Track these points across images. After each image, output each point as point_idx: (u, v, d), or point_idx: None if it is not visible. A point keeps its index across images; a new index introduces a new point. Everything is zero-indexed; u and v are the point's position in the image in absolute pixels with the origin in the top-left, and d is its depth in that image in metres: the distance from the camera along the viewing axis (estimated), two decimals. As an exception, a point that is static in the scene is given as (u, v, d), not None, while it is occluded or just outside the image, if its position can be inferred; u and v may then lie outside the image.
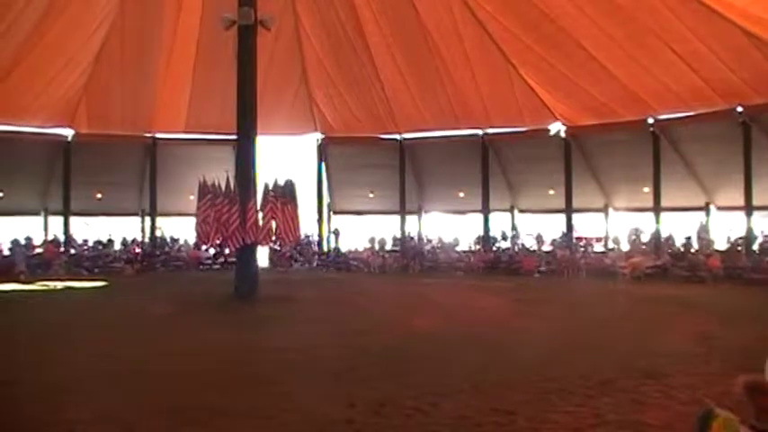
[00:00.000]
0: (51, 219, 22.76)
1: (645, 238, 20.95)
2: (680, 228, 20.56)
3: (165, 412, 5.10)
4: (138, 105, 21.40)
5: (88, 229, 23.84)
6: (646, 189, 20.29)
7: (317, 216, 24.63)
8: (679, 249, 19.46)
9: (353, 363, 6.83)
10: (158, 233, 23.98)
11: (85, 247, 22.65)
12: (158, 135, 22.96)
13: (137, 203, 23.94)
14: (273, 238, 14.50)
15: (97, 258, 21.88)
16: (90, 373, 6.43)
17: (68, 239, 22.37)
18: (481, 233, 23.30)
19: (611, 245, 21.50)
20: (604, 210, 22.28)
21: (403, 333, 8.97)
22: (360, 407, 5.19)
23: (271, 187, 14.22)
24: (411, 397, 5.41)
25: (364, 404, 5.25)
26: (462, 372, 6.36)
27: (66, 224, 22.47)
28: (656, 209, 20.06)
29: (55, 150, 22.03)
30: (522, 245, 22.85)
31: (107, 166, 22.38)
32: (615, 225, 22.28)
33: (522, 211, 23.88)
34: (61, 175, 22.16)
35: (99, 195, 22.81)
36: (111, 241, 23.15)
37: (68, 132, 21.77)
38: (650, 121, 19.50)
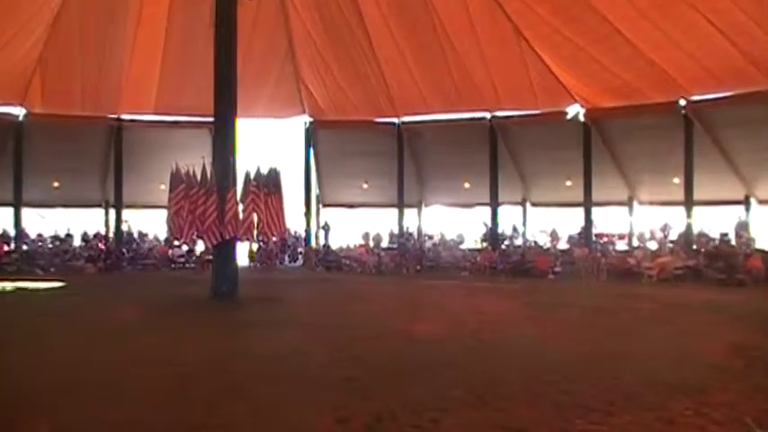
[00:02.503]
0: (0, 210, 22.71)
1: (674, 235, 21.02)
2: (715, 224, 20.62)
3: (135, 427, 5.10)
4: (102, 82, 21.34)
5: (44, 223, 23.82)
6: (676, 180, 20.37)
7: (304, 209, 24.67)
8: (714, 248, 19.48)
9: (345, 372, 6.83)
10: (125, 227, 23.99)
11: (40, 243, 22.61)
12: (124, 116, 22.99)
13: (100, 193, 23.96)
14: (255, 233, 14.52)
15: (54, 255, 21.90)
16: (49, 384, 6.40)
17: (20, 234, 22.30)
18: (489, 229, 23.35)
19: (635, 243, 21.59)
20: (628, 203, 22.36)
21: (401, 340, 8.97)
22: (352, 422, 5.18)
23: (253, 176, 14.24)
24: (410, 411, 5.41)
25: (357, 419, 5.24)
26: (467, 384, 6.36)
27: (17, 216, 22.43)
28: (688, 202, 20.12)
29: (3, 132, 21.96)
30: (535, 242, 22.91)
31: (65, 151, 22.37)
32: (641, 220, 22.40)
33: (535, 204, 23.96)
34: (11, 160, 22.10)
35: (56, 184, 22.81)
36: (70, 236, 23.17)
37: (20, 112, 21.72)
38: (682, 103, 19.54)
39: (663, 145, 20.27)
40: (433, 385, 6.34)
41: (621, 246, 21.95)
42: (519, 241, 23.46)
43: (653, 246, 20.78)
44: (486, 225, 23.65)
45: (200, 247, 21.31)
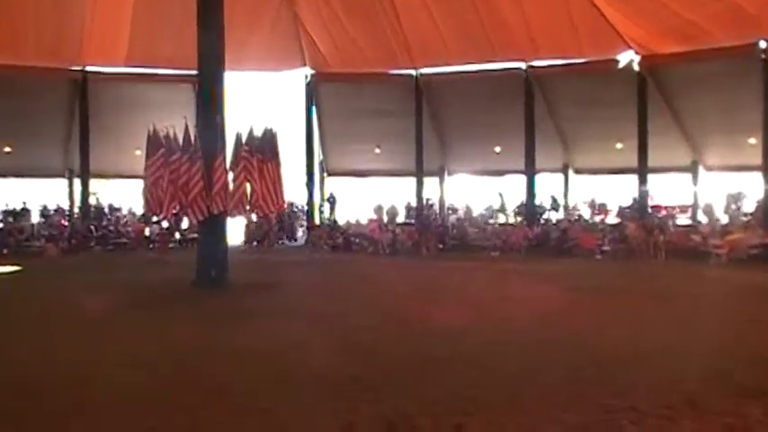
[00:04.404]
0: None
1: (749, 206, 20.84)
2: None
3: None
4: (62, 27, 21.26)
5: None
6: (752, 140, 20.13)
7: (305, 178, 24.68)
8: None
9: (353, 369, 6.88)
10: (92, 201, 24.11)
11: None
12: (90, 68, 22.94)
13: (62, 161, 24.07)
14: (248, 206, 14.56)
15: (7, 234, 21.99)
16: (7, 387, 6.48)
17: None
18: (524, 201, 23.31)
19: (701, 216, 21.44)
20: (692, 169, 22.20)
21: (418, 331, 9.03)
22: (361, 428, 5.24)
23: (245, 140, 14.24)
24: (428, 415, 5.44)
25: (368, 424, 5.29)
26: (496, 382, 6.40)
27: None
28: (767, 167, 19.88)
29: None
30: (579, 216, 22.83)
31: (19, 110, 22.36)
32: (707, 189, 22.21)
33: (579, 171, 23.86)
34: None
35: (8, 149, 22.87)
36: (26, 211, 23.26)
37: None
38: (762, 45, 19.20)
39: (736, 98, 19.96)
40: (456, 384, 6.37)
41: (684, 220, 21.83)
42: (560, 215, 23.38)
43: (723, 219, 20.62)
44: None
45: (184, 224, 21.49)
